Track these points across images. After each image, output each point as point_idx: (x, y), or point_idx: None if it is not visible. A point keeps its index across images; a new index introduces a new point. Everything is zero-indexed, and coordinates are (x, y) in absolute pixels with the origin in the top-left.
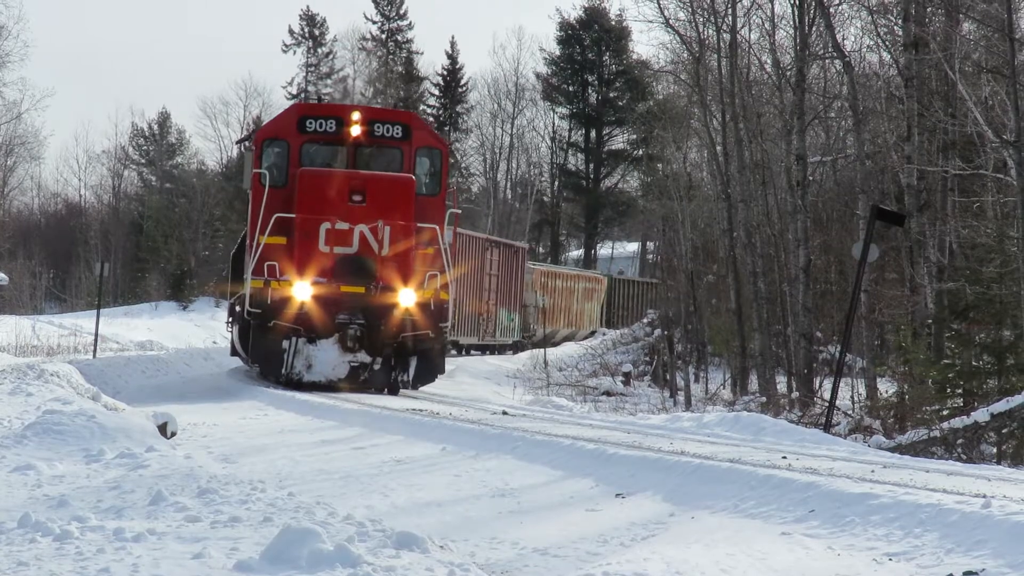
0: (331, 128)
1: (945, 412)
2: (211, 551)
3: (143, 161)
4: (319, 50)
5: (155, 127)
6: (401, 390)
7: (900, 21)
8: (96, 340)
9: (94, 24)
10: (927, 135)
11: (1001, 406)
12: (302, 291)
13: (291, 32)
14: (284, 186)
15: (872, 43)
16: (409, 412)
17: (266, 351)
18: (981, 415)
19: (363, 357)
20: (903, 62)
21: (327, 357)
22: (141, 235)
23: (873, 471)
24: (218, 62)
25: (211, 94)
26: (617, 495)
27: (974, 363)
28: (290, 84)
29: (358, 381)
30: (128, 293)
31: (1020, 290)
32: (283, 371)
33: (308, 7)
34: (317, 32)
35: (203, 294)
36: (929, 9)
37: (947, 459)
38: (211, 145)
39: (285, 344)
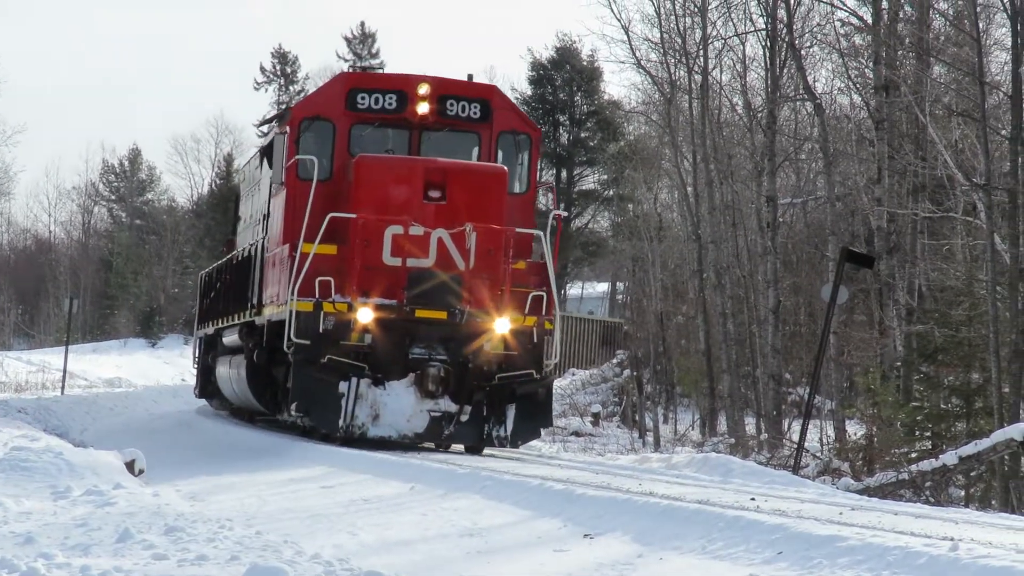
0: (390, 104)
1: (913, 455)
2: None
3: (113, 197)
4: (291, 87)
5: (126, 163)
6: (497, 447)
7: (871, 64)
8: (64, 377)
9: (65, 60)
10: (897, 178)
11: (969, 449)
12: (365, 316)
13: (263, 70)
14: (328, 179)
15: (843, 86)
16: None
17: (317, 396)
18: (949, 458)
19: (447, 405)
20: (874, 105)
21: (400, 405)
22: (110, 272)
23: (841, 513)
24: (189, 98)
25: (182, 131)
26: (585, 535)
27: (942, 406)
28: (261, 122)
29: (440, 436)
30: (97, 329)
31: (989, 333)
32: (341, 423)
33: (280, 45)
34: (289, 70)
35: (172, 331)
36: (900, 52)
37: (915, 502)
38: (182, 182)
39: (343, 387)
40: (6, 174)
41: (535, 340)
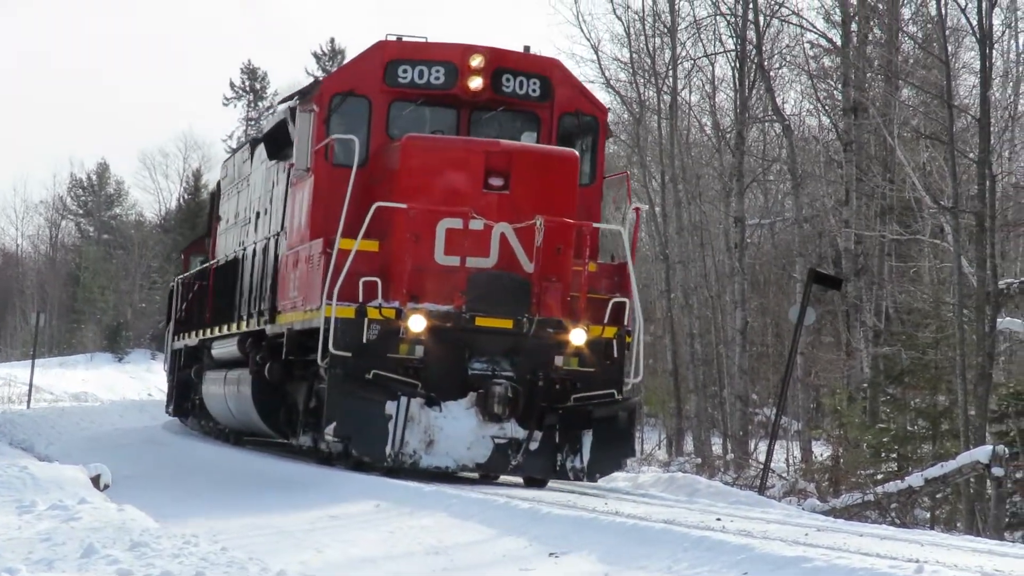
0: (437, 79)
1: (879, 476)
2: None
3: (81, 212)
4: (260, 103)
5: (94, 178)
6: (572, 480)
7: (840, 86)
8: (31, 390)
9: (32, 75)
10: (865, 200)
11: (935, 471)
12: (418, 324)
13: (232, 86)
14: (363, 164)
15: (812, 107)
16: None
17: (360, 418)
18: (915, 480)
19: (513, 430)
20: (842, 127)
21: (459, 429)
22: (78, 286)
23: (807, 534)
24: (158, 113)
25: (151, 146)
26: (551, 554)
27: (909, 428)
28: (230, 137)
29: (506, 467)
30: (64, 343)
31: (955, 356)
32: (389, 450)
33: (250, 61)
34: (258, 86)
35: (139, 346)
36: (869, 75)
37: (881, 523)
38: (150, 197)
39: (391, 408)
40: None
41: (615, 354)
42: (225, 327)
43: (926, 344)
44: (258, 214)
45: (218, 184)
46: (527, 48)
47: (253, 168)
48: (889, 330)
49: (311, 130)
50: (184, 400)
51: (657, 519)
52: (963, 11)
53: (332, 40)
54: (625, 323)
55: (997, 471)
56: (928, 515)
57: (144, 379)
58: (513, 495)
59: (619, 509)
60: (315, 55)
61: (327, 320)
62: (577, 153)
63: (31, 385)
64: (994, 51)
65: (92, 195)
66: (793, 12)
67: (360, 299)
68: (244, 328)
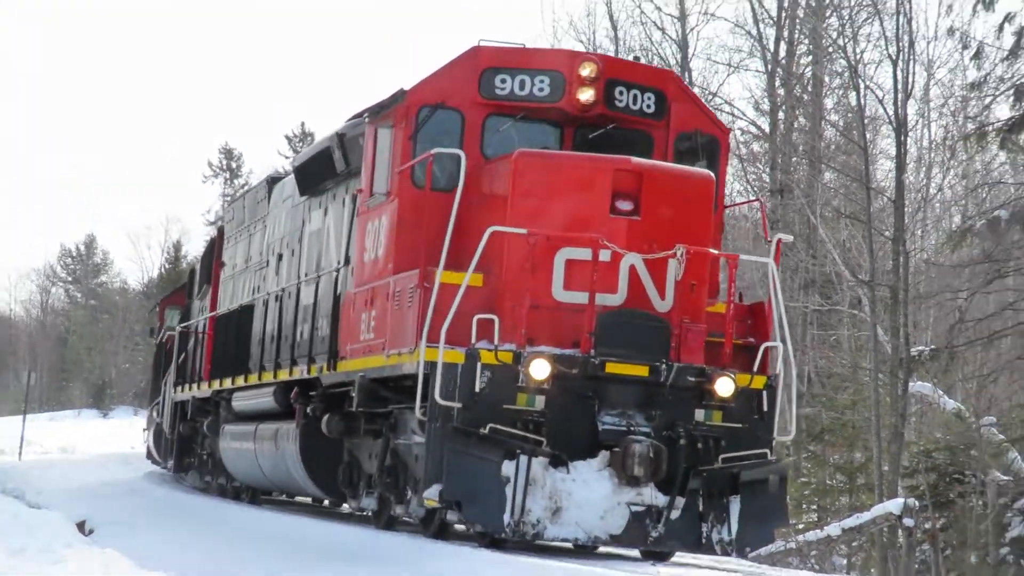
0: (541, 90)
1: (801, 526)
2: None
3: (70, 279)
4: (236, 181)
5: (82, 248)
6: (719, 555)
7: (768, 169)
8: (22, 443)
9: (26, 152)
10: (790, 273)
11: (851, 522)
12: (541, 371)
13: (210, 165)
14: (452, 189)
15: (742, 188)
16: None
17: (472, 479)
18: (833, 530)
19: (652, 496)
20: (769, 206)
21: (591, 495)
22: (66, 347)
23: None
24: (142, 190)
25: (135, 219)
26: None
27: (828, 481)
28: (208, 212)
29: (645, 540)
30: (53, 400)
31: (871, 416)
32: (507, 518)
33: (227, 142)
34: (235, 165)
35: (123, 403)
36: (794, 159)
37: (802, 569)
38: (133, 266)
39: (508, 468)
40: None
41: (764, 407)
42: (251, 376)
43: (844, 405)
44: (280, 256)
45: (220, 230)
46: (637, 58)
47: (271, 208)
48: (811, 392)
49: (390, 148)
50: (186, 454)
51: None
52: (880, 102)
53: (303, 124)
54: (779, 369)
55: (908, 522)
56: (845, 562)
57: (127, 434)
58: None
59: None
60: (287, 137)
61: (429, 364)
62: (714, 176)
63: (22, 438)
64: (908, 138)
65: (80, 264)
66: (726, 101)
67: (474, 339)
68: (286, 377)
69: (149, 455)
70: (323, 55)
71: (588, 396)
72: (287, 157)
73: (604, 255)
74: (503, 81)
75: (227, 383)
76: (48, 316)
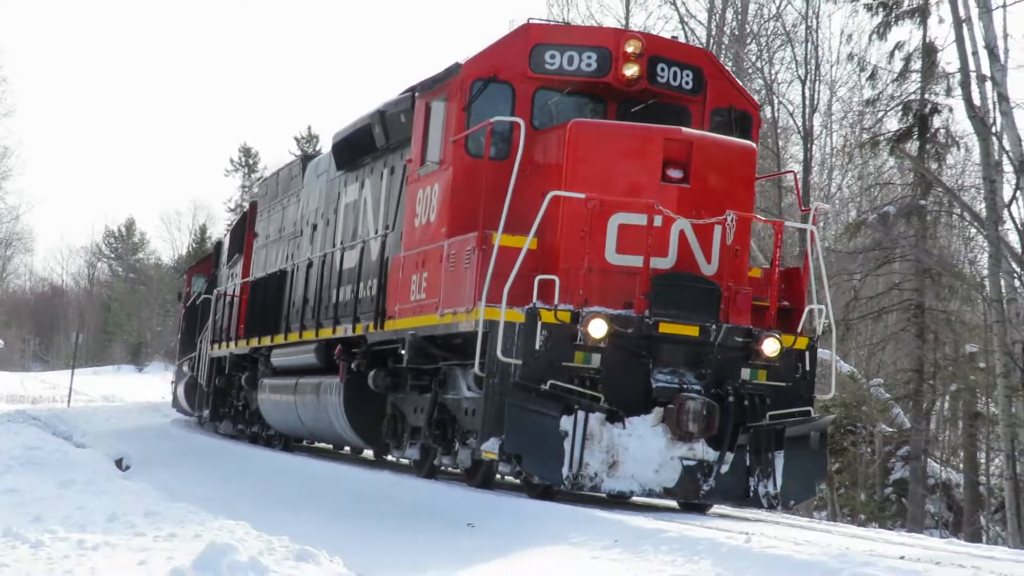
0: (588, 65)
1: None
2: (153, 559)
3: (112, 256)
4: (252, 175)
5: (123, 230)
6: (765, 509)
7: None
8: (70, 393)
9: (74, 141)
10: None
11: None
12: (599, 330)
13: (231, 161)
14: (505, 158)
15: None
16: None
17: (533, 434)
18: None
19: (703, 451)
20: None
21: (646, 450)
22: (108, 313)
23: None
24: (174, 180)
25: (168, 205)
26: None
27: None
28: (229, 201)
29: (697, 493)
30: (96, 357)
31: None
32: (566, 471)
33: (245, 142)
34: (251, 161)
35: (155, 360)
36: None
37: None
38: (166, 244)
39: (566, 423)
40: (29, 235)
41: (807, 367)
42: (291, 335)
43: None
44: (315, 226)
45: (252, 204)
46: (674, 37)
47: (305, 183)
48: None
49: (446, 120)
50: (221, 405)
51: None
52: (791, 115)
53: (309, 127)
54: (819, 331)
55: None
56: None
57: (158, 386)
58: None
59: None
60: (295, 139)
61: (488, 323)
62: (756, 147)
63: (71, 389)
64: (814, 146)
65: (121, 243)
66: None
67: (535, 298)
68: (329, 335)
69: (176, 404)
70: (328, 66)
71: (642, 355)
72: (294, 155)
73: (657, 220)
74: (552, 57)
75: (265, 341)
76: (94, 287)
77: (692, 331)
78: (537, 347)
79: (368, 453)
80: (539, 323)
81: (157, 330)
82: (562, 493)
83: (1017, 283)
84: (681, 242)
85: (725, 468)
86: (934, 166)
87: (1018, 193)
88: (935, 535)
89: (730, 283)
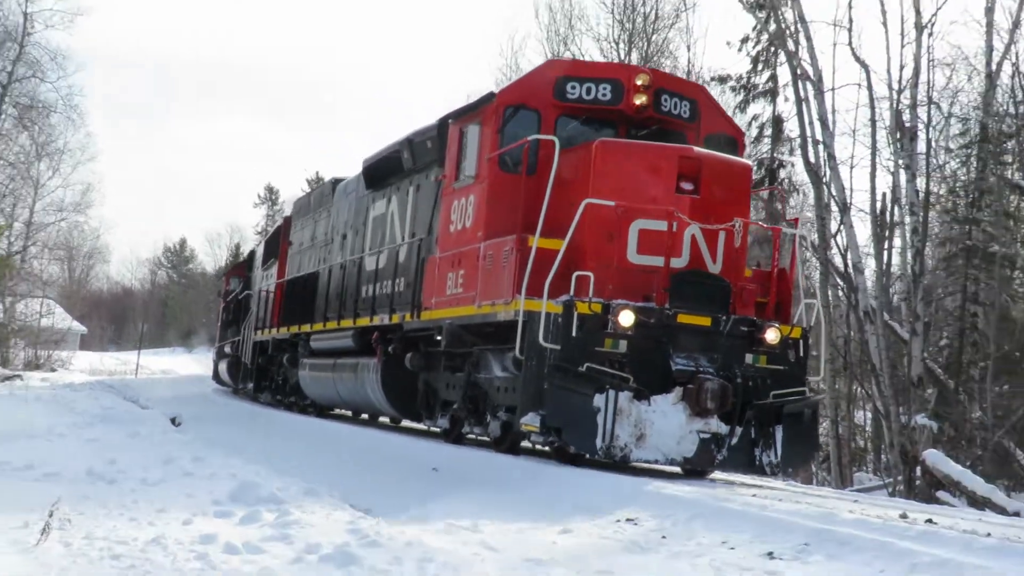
0: (604, 95)
1: None
2: (198, 493)
3: (169, 265)
4: (273, 207)
5: (177, 246)
6: (768, 476)
7: None
8: (137, 368)
9: (141, 178)
10: None
11: None
12: (627, 319)
13: (258, 195)
14: (532, 173)
15: None
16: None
17: (570, 410)
18: None
19: (716, 426)
20: None
21: (668, 424)
22: (166, 308)
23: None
24: (216, 208)
25: (210, 226)
26: None
27: None
28: (256, 225)
29: (711, 462)
30: (156, 342)
31: None
32: (599, 443)
33: (269, 182)
34: (273, 197)
35: (201, 345)
36: None
37: None
38: (209, 258)
39: (599, 400)
40: (106, 248)
41: (800, 353)
42: (330, 323)
43: None
44: (344, 235)
45: (286, 219)
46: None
47: (335, 201)
48: None
49: (478, 140)
50: (262, 380)
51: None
52: None
53: (317, 172)
54: (813, 321)
55: None
56: None
57: (204, 363)
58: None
59: None
60: (307, 180)
61: (526, 313)
62: (752, 164)
63: (137, 365)
64: None
65: (176, 256)
66: None
67: (572, 292)
68: (366, 323)
69: (216, 378)
70: (329, 126)
71: (662, 341)
72: (303, 191)
73: (663, 225)
74: (572, 87)
75: (305, 328)
76: (155, 289)
77: (705, 321)
78: (573, 334)
79: (385, 420)
80: (575, 313)
81: (202, 321)
82: (587, 460)
83: (840, 293)
84: (692, 244)
85: (735, 440)
86: (779, 206)
87: (841, 227)
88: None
89: (737, 278)
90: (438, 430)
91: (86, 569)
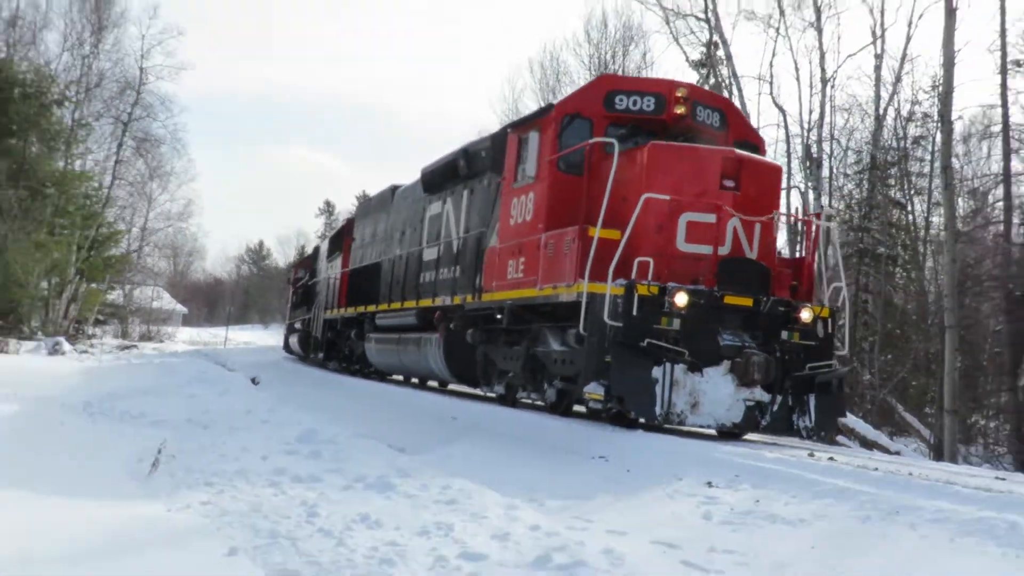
0: (648, 107)
1: None
2: (273, 436)
3: (251, 261)
4: (330, 217)
5: (257, 247)
6: (805, 438)
7: None
8: (226, 340)
9: (230, 194)
10: None
11: None
12: (682, 300)
13: (319, 208)
14: (582, 174)
15: None
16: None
17: (632, 380)
18: None
19: (760, 395)
20: None
21: (719, 393)
22: (247, 295)
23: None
24: (286, 217)
25: (282, 232)
26: None
27: None
28: (317, 231)
29: (756, 427)
30: (241, 320)
31: None
32: (658, 409)
33: (327, 199)
34: (329, 209)
35: (275, 322)
36: None
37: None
38: (280, 256)
39: (656, 372)
40: (203, 249)
41: (829, 330)
42: (394, 303)
43: None
44: (403, 232)
45: (349, 220)
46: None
47: (393, 203)
48: None
49: (540, 145)
50: (332, 350)
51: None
52: None
53: (364, 191)
54: (839, 303)
55: None
56: None
57: (276, 337)
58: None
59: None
60: (356, 197)
61: (589, 295)
62: (781, 166)
63: (226, 337)
64: None
65: (256, 255)
66: None
67: (635, 275)
68: (428, 304)
69: (286, 348)
70: (374, 148)
71: (711, 320)
72: (352, 206)
73: (711, 217)
74: (620, 100)
75: (370, 308)
76: (240, 279)
77: (748, 302)
78: (634, 312)
79: (433, 384)
80: (636, 294)
81: (275, 304)
82: (642, 424)
83: None
84: (734, 234)
85: (775, 407)
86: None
87: None
88: None
89: (774, 265)
90: (493, 395)
91: (186, 494)
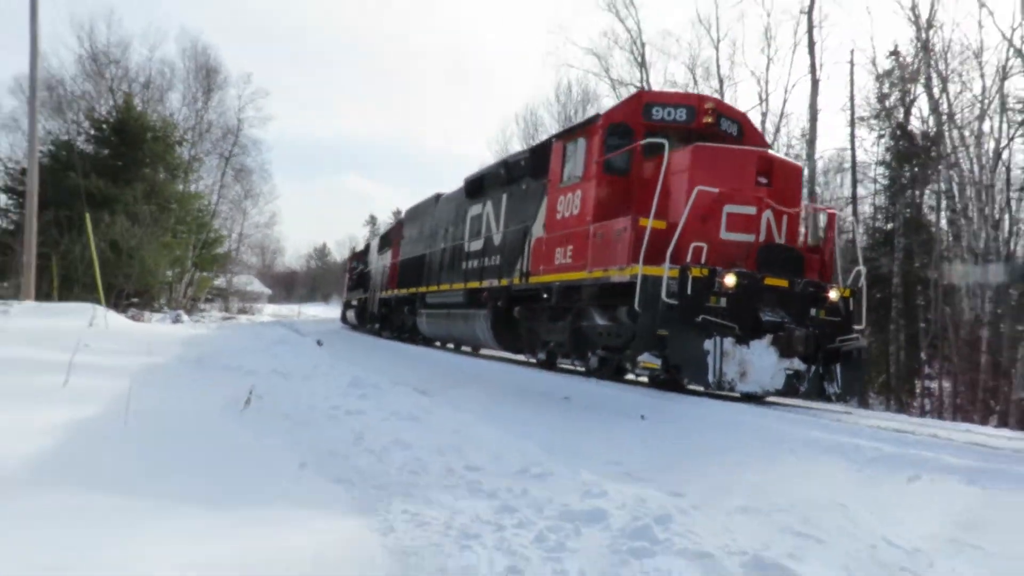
0: (681, 117)
1: None
2: (331, 383)
3: (316, 258)
4: (374, 227)
5: (321, 248)
6: (835, 402)
7: None
8: (299, 313)
9: (299, 208)
10: None
11: None
12: (731, 281)
13: (365, 220)
14: (624, 175)
15: None
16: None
17: (689, 352)
18: None
19: (797, 364)
20: None
21: (764, 363)
22: (314, 281)
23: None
24: (341, 226)
25: (339, 237)
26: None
27: None
28: (364, 239)
29: (796, 393)
30: (309, 299)
31: None
32: (711, 377)
33: (371, 212)
34: (374, 220)
35: (333, 299)
36: None
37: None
38: (338, 255)
39: (708, 344)
40: (282, 248)
41: (851, 308)
42: (443, 285)
43: None
44: (446, 229)
45: (399, 221)
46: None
47: (437, 207)
48: None
49: (587, 150)
50: (386, 322)
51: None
52: None
53: (398, 209)
54: (861, 285)
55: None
56: None
57: (335, 311)
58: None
59: None
60: (393, 213)
61: (642, 277)
62: (802, 166)
63: (299, 311)
64: None
65: (320, 254)
66: None
67: (689, 259)
68: (476, 286)
69: (344, 320)
70: (402, 176)
71: (752, 299)
72: (389, 218)
73: (751, 210)
74: (657, 111)
75: (421, 289)
76: (309, 270)
77: (784, 283)
78: (688, 292)
79: (466, 350)
80: (690, 276)
81: (333, 288)
82: (715, 389)
83: None
84: (767, 224)
85: (810, 376)
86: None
87: None
88: None
89: (804, 251)
90: (534, 361)
91: (269, 422)
